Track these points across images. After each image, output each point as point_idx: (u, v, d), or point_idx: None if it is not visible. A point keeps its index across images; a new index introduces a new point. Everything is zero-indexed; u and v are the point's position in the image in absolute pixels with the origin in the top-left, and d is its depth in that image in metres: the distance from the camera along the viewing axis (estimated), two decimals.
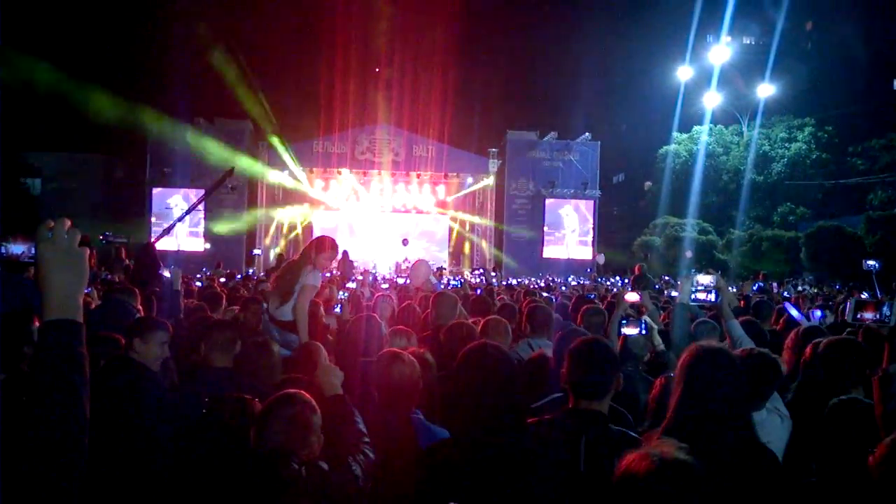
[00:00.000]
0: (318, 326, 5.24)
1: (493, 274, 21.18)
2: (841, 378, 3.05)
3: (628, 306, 4.54)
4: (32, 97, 19.47)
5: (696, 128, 33.07)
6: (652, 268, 19.09)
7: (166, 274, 5.62)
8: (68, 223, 1.44)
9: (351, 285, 8.46)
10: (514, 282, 17.45)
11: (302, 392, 2.24)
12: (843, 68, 31.21)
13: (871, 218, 23.27)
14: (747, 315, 5.20)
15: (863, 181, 29.19)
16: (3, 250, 1.51)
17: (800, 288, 15.97)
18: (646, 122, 35.40)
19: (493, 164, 28.31)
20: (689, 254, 24.51)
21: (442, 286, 8.24)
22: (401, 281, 10.94)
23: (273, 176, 27.45)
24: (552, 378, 2.87)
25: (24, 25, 22.51)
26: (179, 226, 21.44)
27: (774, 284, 15.48)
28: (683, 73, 31.06)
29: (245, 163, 24.64)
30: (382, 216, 28.48)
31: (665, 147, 33.17)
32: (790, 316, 5.40)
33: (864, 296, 9.03)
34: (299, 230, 28.49)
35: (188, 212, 8.96)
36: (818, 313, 5.86)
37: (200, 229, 25.82)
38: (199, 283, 10.66)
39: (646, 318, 4.46)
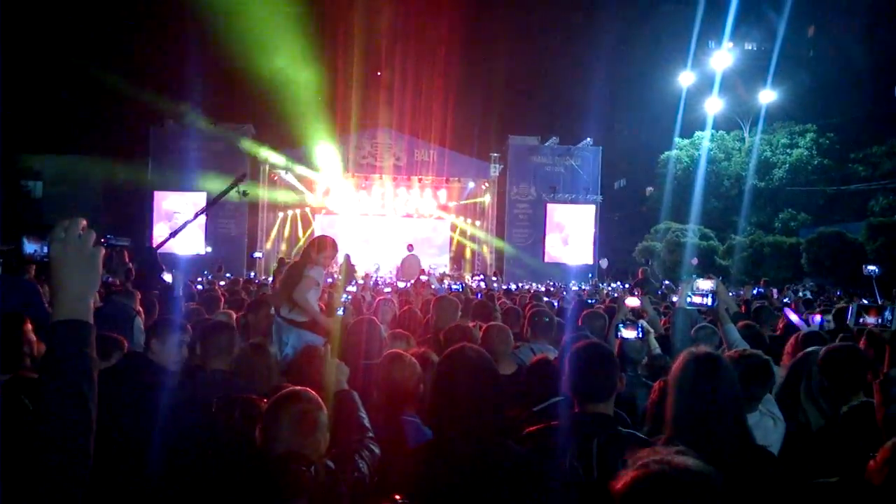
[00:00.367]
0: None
1: (493, 279, 21.13)
2: (841, 384, 3.04)
3: (628, 311, 4.55)
4: (33, 99, 19.48)
5: (697, 133, 33.03)
6: (654, 273, 19.07)
7: (167, 278, 5.63)
8: (83, 223, 1.43)
9: (352, 289, 8.45)
10: (514, 287, 17.41)
11: (307, 389, 2.20)
12: (845, 75, 31.18)
13: (872, 224, 23.18)
14: (748, 320, 5.19)
15: (864, 188, 29.13)
16: (21, 248, 1.47)
17: (800, 293, 15.93)
18: (647, 128, 35.36)
19: (495, 169, 28.31)
20: (694, 261, 24.43)
21: (444, 290, 8.26)
22: (402, 285, 10.95)
23: (274, 179, 27.48)
24: (556, 382, 2.87)
25: (25, 25, 22.58)
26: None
27: (775, 290, 15.43)
28: (685, 78, 31.05)
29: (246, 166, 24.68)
30: (384, 220, 28.48)
31: (667, 152, 33.13)
32: (790, 321, 5.40)
33: (865, 302, 8.99)
34: (300, 234, 28.51)
35: (197, 216, 8.94)
36: (818, 318, 5.85)
37: (202, 232, 25.86)
38: (199, 287, 10.69)
39: (643, 322, 4.47)
